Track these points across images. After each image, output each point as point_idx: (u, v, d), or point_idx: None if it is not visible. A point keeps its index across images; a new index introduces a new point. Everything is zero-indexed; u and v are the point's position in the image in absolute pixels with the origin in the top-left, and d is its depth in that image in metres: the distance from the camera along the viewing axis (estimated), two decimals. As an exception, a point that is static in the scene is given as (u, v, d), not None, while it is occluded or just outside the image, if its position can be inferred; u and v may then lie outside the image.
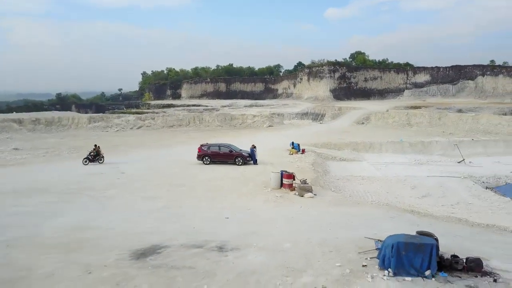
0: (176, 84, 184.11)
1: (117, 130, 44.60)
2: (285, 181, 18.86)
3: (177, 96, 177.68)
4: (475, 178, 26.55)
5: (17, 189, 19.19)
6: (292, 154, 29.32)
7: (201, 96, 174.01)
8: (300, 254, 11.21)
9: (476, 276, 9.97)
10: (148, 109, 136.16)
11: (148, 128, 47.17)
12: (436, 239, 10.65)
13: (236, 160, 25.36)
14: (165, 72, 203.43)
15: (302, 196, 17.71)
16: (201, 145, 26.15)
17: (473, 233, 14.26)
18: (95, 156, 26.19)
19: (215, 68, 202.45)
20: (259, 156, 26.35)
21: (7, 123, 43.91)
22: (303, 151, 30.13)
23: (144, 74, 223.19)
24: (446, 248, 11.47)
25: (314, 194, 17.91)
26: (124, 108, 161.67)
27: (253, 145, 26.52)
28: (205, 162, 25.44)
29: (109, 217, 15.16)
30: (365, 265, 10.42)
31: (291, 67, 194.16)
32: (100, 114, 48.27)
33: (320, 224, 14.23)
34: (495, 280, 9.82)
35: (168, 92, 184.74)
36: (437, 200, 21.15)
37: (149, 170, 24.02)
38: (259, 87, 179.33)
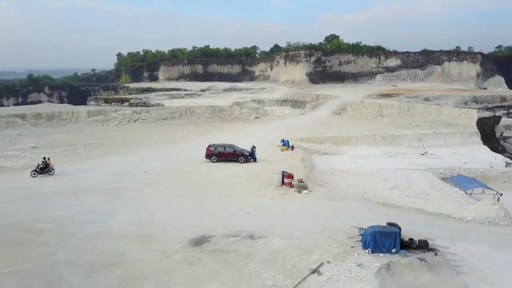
0: (153, 66, 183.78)
1: (116, 124, 48.07)
2: (286, 180, 23.69)
3: (154, 78, 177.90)
4: (434, 170, 32.23)
5: (68, 189, 23.14)
6: (283, 150, 34.16)
7: (178, 78, 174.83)
8: (308, 239, 16.24)
9: (424, 252, 15.32)
10: (127, 93, 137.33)
11: (144, 121, 50.78)
12: (399, 228, 15.89)
13: (239, 158, 29.92)
14: (142, 53, 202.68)
15: (300, 192, 22.61)
16: (209, 146, 30.53)
17: (427, 220, 19.70)
18: (44, 169, 26.59)
19: (192, 49, 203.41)
20: (256, 153, 31.12)
21: (11, 118, 46.64)
22: (292, 147, 35.01)
23: (119, 55, 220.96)
24: (406, 232, 16.73)
25: (309, 191, 22.88)
26: (102, 91, 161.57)
27: (253, 146, 31.14)
28: (212, 160, 29.93)
29: (159, 213, 19.65)
30: (353, 246, 15.58)
31: (266, 47, 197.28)
32: (99, 108, 51.28)
33: (318, 216, 19.27)
34: (435, 254, 15.22)
35: (145, 74, 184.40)
36: (403, 191, 26.59)
37: (167, 169, 28.27)
38: (236, 69, 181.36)
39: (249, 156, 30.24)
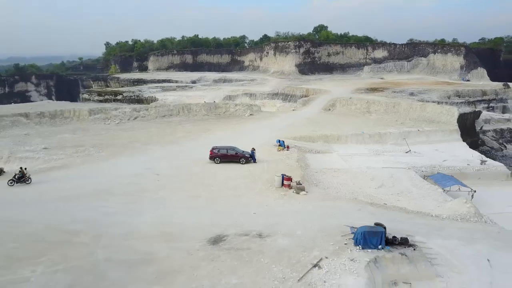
0: (143, 57, 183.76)
1: (118, 123, 50.16)
2: (285, 182, 26.48)
3: (144, 69, 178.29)
4: (417, 168, 35.46)
5: (90, 192, 25.57)
6: (279, 150, 36.94)
7: (168, 68, 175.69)
8: (308, 237, 19.21)
9: (405, 247, 18.44)
10: (119, 84, 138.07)
11: (143, 119, 52.93)
12: (385, 227, 18.95)
13: (240, 160, 32.62)
14: (130, 43, 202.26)
15: (298, 193, 25.46)
16: (212, 148, 33.09)
17: (408, 218, 22.83)
18: (21, 178, 27.52)
19: (181, 39, 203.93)
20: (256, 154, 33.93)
21: (16, 118, 48.41)
22: (288, 147, 37.80)
23: (107, 44, 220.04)
24: (391, 230, 19.82)
25: (306, 192, 25.77)
26: (92, 82, 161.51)
27: (253, 148, 33.84)
28: (216, 162, 32.51)
29: (176, 214, 22.36)
30: (346, 243, 18.60)
31: (254, 36, 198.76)
32: (99, 107, 53.15)
33: (315, 215, 22.23)
34: (414, 249, 18.36)
35: (135, 64, 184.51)
36: (388, 190, 29.72)
37: (175, 171, 30.81)
38: (225, 58, 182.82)
39: (250, 158, 32.99)
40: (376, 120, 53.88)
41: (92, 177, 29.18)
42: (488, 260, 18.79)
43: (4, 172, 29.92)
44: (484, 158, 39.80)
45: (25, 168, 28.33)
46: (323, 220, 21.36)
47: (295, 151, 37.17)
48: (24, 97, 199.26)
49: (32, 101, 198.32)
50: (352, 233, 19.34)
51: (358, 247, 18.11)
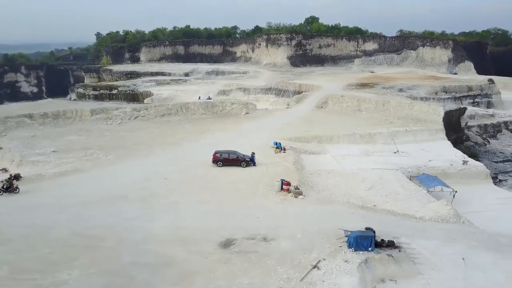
0: (135, 48, 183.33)
1: (119, 123, 52.08)
2: (284, 187, 29.03)
3: (136, 60, 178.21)
4: (404, 168, 38.21)
5: (105, 197, 27.76)
6: (277, 153, 39.40)
7: (160, 60, 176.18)
8: (308, 240, 21.87)
9: (391, 249, 21.22)
10: (111, 77, 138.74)
11: (143, 118, 54.85)
12: (374, 232, 21.68)
13: (241, 163, 35.05)
14: (122, 34, 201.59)
15: (296, 197, 28.01)
16: (215, 152, 35.37)
17: (395, 221, 25.60)
18: (8, 188, 28.29)
19: (172, 29, 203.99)
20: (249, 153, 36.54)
21: (20, 119, 50.04)
22: (284, 149, 40.25)
23: (98, 35, 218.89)
24: (380, 233, 22.54)
25: (304, 196, 28.33)
26: (84, 74, 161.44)
27: (253, 152, 36.26)
28: (218, 165, 34.91)
29: (187, 218, 24.79)
30: (340, 246, 21.31)
31: (246, 25, 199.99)
32: (101, 107, 54.75)
33: (312, 218, 24.85)
34: (399, 250, 21.16)
35: (127, 55, 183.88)
36: (378, 191, 32.43)
37: (182, 174, 32.98)
38: (217, 49, 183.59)
39: (250, 161, 35.46)
40: (366, 119, 56.58)
41: (104, 182, 31.36)
42: (463, 258, 21.68)
43: (21, 177, 31.92)
44: (466, 158, 42.75)
45: (13, 179, 29.70)
46: (319, 223, 24.01)
47: (291, 153, 39.71)
48: (13, 88, 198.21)
49: (22, 92, 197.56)
50: (346, 236, 22.04)
51: (351, 249, 20.84)
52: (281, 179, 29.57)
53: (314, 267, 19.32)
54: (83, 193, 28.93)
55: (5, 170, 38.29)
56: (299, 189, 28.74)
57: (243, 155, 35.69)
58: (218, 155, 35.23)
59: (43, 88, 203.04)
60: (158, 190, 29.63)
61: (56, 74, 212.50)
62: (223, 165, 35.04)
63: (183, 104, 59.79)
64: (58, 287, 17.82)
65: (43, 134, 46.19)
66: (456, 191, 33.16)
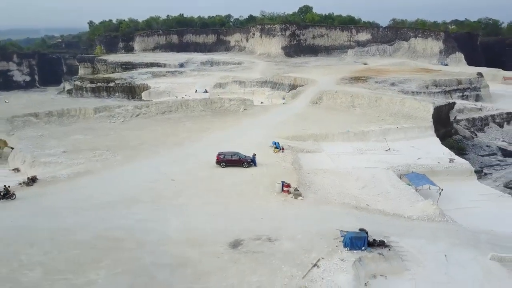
0: (128, 37, 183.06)
1: (122, 121, 54.00)
2: (284, 188, 31.46)
3: (130, 49, 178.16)
4: (394, 167, 40.72)
5: (117, 200, 29.85)
6: (276, 153, 41.73)
7: (154, 49, 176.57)
8: (307, 241, 24.38)
9: (382, 248, 23.84)
10: (106, 67, 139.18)
11: (145, 116, 56.73)
12: (367, 232, 24.25)
13: (243, 164, 37.40)
14: (115, 22, 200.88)
15: (296, 198, 30.41)
16: (219, 154, 37.54)
17: (386, 221, 28.23)
18: (5, 195, 29.70)
19: (166, 18, 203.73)
20: (250, 153, 38.82)
21: (27, 118, 51.75)
22: (283, 149, 42.59)
23: (91, 23, 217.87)
24: (372, 232, 25.11)
25: (303, 197, 30.78)
26: (78, 63, 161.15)
27: (254, 154, 38.51)
28: (222, 166, 37.18)
29: (196, 220, 27.11)
30: (337, 245, 23.87)
31: (239, 13, 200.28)
32: (103, 105, 56.51)
33: (311, 220, 27.33)
34: (389, 249, 23.79)
35: (121, 45, 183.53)
36: (370, 190, 34.98)
37: (187, 175, 35.07)
38: (211, 38, 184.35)
39: (251, 162, 37.79)
40: (360, 115, 59.03)
41: (115, 184, 33.46)
42: (445, 255, 24.40)
43: (37, 179, 33.96)
44: (453, 156, 45.45)
45: (9, 186, 30.95)
46: (318, 224, 26.51)
47: (289, 152, 42.05)
48: (6, 77, 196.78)
49: (15, 81, 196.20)
50: (342, 236, 24.59)
51: (346, 248, 23.42)
52: (282, 181, 31.95)
53: (314, 265, 21.87)
54: (97, 195, 31.07)
55: (17, 169, 40.39)
56: (298, 190, 31.17)
57: (245, 156, 37.97)
58: (221, 156, 37.48)
59: (36, 77, 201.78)
60: (166, 192, 31.85)
61: (49, 62, 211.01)
62: (226, 165, 37.31)
63: (182, 101, 61.76)
64: (90, 286, 20.17)
65: (50, 134, 47.99)
66: (442, 189, 35.82)
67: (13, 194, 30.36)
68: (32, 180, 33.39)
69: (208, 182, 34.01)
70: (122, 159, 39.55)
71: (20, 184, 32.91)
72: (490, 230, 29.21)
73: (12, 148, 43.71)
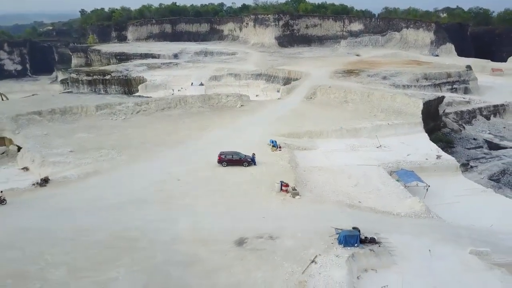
0: (121, 26, 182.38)
1: (124, 119, 55.78)
2: (283, 188, 33.83)
3: (123, 39, 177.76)
4: (385, 164, 43.30)
5: (127, 201, 31.83)
6: (273, 151, 44.00)
7: (147, 38, 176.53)
8: (306, 239, 26.86)
9: (373, 244, 26.44)
10: (100, 58, 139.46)
11: (145, 112, 58.52)
12: (359, 230, 26.80)
13: (243, 164, 39.66)
14: (107, 11, 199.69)
15: (294, 197, 32.77)
16: (220, 154, 39.61)
17: (376, 218, 30.81)
18: None
19: (158, 6, 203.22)
20: (250, 152, 41.14)
21: (31, 116, 53.13)
22: (280, 147, 44.84)
23: (83, 12, 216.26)
24: (364, 229, 27.66)
25: (300, 196, 33.20)
26: (71, 53, 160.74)
27: (253, 153, 40.76)
28: (223, 165, 39.42)
29: (203, 220, 29.41)
30: (333, 243, 26.39)
31: (232, 1, 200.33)
32: (105, 102, 57.85)
33: (309, 218, 29.76)
34: (379, 246, 26.41)
35: (113, 34, 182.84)
36: (362, 188, 37.51)
37: (191, 175, 36.95)
38: (204, 27, 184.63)
39: (251, 161, 40.08)
40: (352, 111, 61.38)
41: (124, 184, 35.43)
42: (429, 250, 27.07)
43: (49, 180, 35.92)
44: (440, 152, 48.14)
45: (1, 191, 32.04)
46: (315, 223, 28.98)
47: (286, 150, 44.34)
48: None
49: (6, 70, 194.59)
50: (337, 234, 27.11)
51: (341, 245, 25.94)
52: (281, 181, 34.33)
53: (312, 261, 24.38)
54: (107, 196, 33.19)
55: (26, 168, 42.27)
56: (296, 190, 33.59)
57: (245, 155, 40.21)
58: (223, 156, 39.70)
59: (27, 65, 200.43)
60: (173, 192, 34.05)
61: (40, 51, 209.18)
62: (227, 165, 39.57)
63: (181, 98, 63.60)
64: (112, 283, 22.47)
65: (54, 132, 49.64)
66: (429, 186, 38.53)
67: (4, 199, 31.01)
68: (45, 181, 35.31)
69: (212, 182, 36.20)
70: (127, 158, 41.55)
71: (33, 184, 34.84)
72: (470, 225, 31.95)
73: (18, 146, 45.35)
